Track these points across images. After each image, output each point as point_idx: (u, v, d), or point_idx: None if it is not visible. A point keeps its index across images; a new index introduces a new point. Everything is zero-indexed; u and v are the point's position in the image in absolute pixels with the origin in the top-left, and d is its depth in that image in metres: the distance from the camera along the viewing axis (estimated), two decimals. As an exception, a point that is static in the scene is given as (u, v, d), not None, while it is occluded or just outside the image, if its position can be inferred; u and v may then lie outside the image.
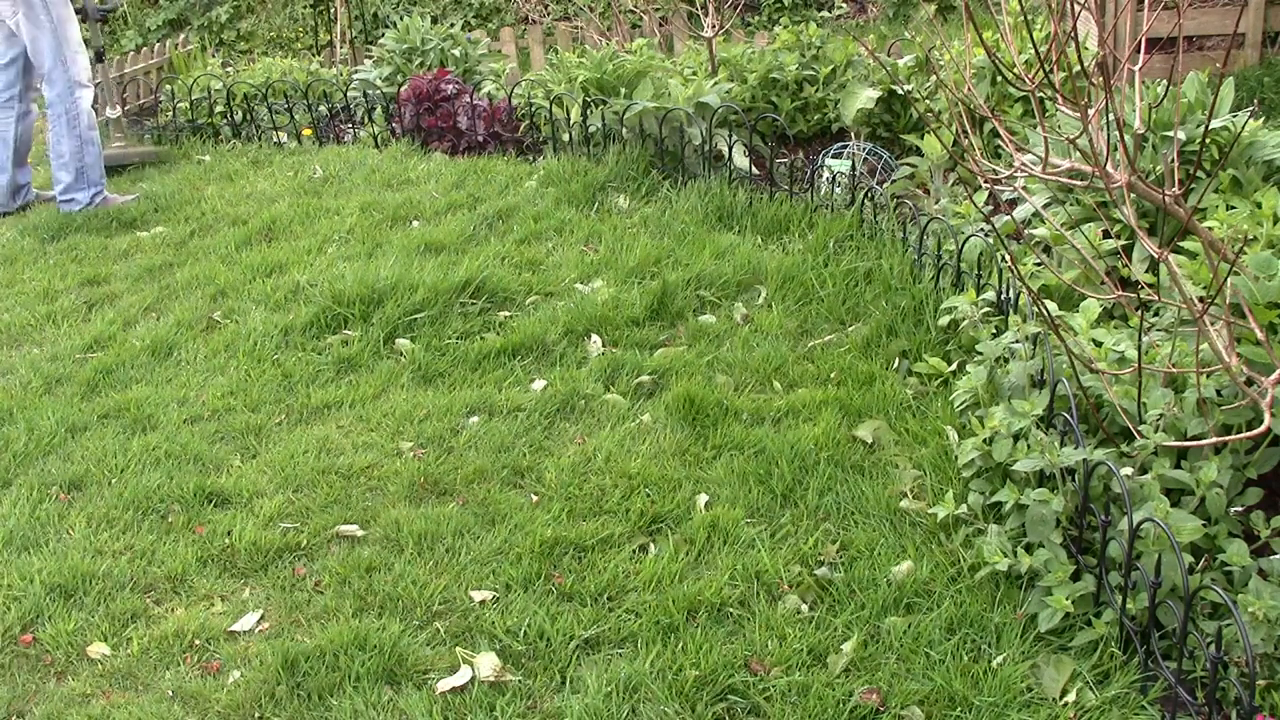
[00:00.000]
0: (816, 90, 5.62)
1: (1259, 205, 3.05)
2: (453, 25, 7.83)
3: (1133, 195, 2.53)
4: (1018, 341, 2.96)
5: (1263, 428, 2.23)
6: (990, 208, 4.31)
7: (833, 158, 5.01)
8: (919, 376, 3.41)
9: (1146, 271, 3.26)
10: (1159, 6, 3.07)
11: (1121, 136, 2.40)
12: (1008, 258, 3.07)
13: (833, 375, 3.48)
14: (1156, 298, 2.54)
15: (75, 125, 5.35)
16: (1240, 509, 2.52)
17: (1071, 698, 2.24)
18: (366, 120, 6.25)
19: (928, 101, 5.13)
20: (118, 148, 6.20)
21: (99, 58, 6.04)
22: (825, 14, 9.50)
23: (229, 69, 7.45)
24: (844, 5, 9.58)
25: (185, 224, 5.17)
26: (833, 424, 3.19)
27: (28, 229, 5.26)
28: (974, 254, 3.59)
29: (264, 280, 4.41)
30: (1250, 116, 3.61)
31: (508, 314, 4.03)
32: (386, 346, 3.86)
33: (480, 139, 5.81)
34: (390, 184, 5.48)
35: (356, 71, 6.76)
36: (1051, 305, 3.06)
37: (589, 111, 5.37)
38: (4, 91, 5.52)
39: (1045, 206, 3.67)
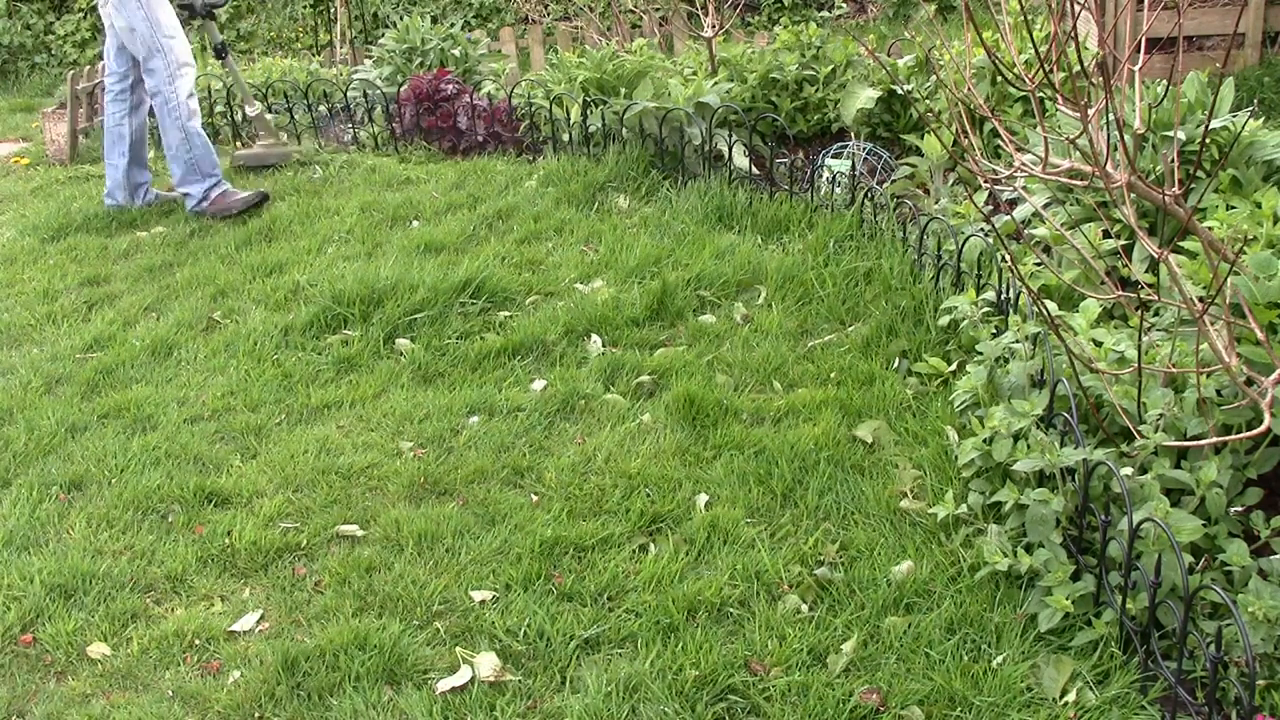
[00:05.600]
0: (816, 90, 5.62)
1: (1259, 205, 3.05)
2: (453, 25, 7.83)
3: (1133, 195, 2.53)
4: (1018, 341, 2.96)
5: (1263, 428, 2.23)
6: (990, 208, 4.31)
7: (833, 158, 5.01)
8: (919, 376, 3.41)
9: (1146, 271, 3.26)
10: (1159, 6, 3.07)
11: (1121, 136, 2.40)
12: (1008, 258, 3.07)
13: (833, 375, 3.48)
14: (1156, 298, 2.54)
15: (176, 116, 5.13)
16: (1240, 509, 2.52)
17: (1071, 698, 2.24)
18: (366, 120, 6.25)
19: (928, 101, 5.13)
20: (262, 146, 5.93)
21: (220, 54, 5.74)
22: (825, 14, 9.50)
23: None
24: (844, 5, 9.58)
25: (185, 224, 5.17)
26: (833, 424, 3.19)
27: (27, 229, 5.26)
28: (974, 254, 3.59)
29: (264, 280, 4.41)
30: (1250, 116, 3.61)
31: (508, 314, 4.03)
32: (386, 346, 3.86)
33: (480, 139, 5.81)
34: (390, 184, 5.48)
35: (356, 71, 6.77)
36: (1051, 305, 3.06)
37: (589, 111, 5.37)
38: (117, 84, 5.31)
39: (1045, 206, 3.67)
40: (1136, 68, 2.64)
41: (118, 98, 5.36)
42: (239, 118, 6.49)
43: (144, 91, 5.35)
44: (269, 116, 6.01)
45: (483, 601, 2.62)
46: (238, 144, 6.43)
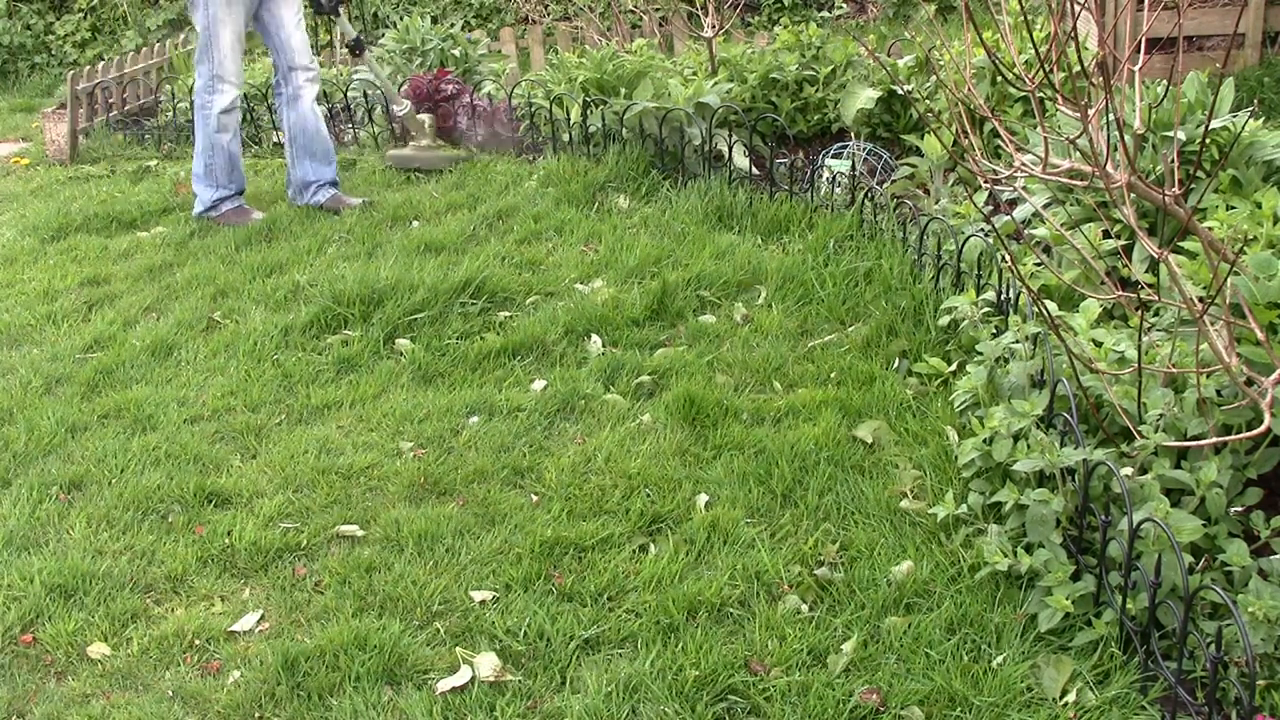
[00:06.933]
0: (816, 90, 5.61)
1: (1259, 205, 3.05)
2: (453, 25, 7.82)
3: (1133, 195, 2.53)
4: (1018, 341, 2.96)
5: (1263, 428, 2.23)
6: (990, 208, 4.31)
7: (833, 158, 5.01)
8: (919, 376, 3.41)
9: (1146, 271, 3.26)
10: (1159, 6, 3.07)
11: (1121, 136, 2.40)
12: (1008, 258, 3.07)
13: (833, 375, 3.48)
14: (1156, 298, 2.54)
15: (206, 123, 5.12)
16: (1240, 509, 2.52)
17: (1071, 698, 2.24)
18: (367, 120, 6.25)
19: (928, 101, 5.13)
20: (414, 148, 5.69)
21: (355, 51, 5.52)
22: (825, 14, 9.50)
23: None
24: (844, 5, 9.58)
25: (185, 224, 5.17)
26: (833, 424, 3.19)
27: (27, 229, 5.26)
28: (974, 254, 3.59)
29: (264, 280, 4.41)
30: (1250, 116, 3.61)
31: (508, 314, 4.03)
32: (386, 346, 3.86)
33: (480, 139, 5.81)
34: (390, 184, 5.48)
35: (356, 71, 6.76)
36: (1051, 305, 3.06)
37: (589, 111, 5.37)
38: (276, 84, 5.30)
39: (1045, 206, 3.67)
40: (1136, 68, 2.64)
41: (276, 96, 5.34)
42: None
43: (299, 83, 5.24)
44: (424, 118, 5.68)
45: (483, 601, 2.62)
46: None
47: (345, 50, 5.62)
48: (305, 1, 5.28)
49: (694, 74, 5.72)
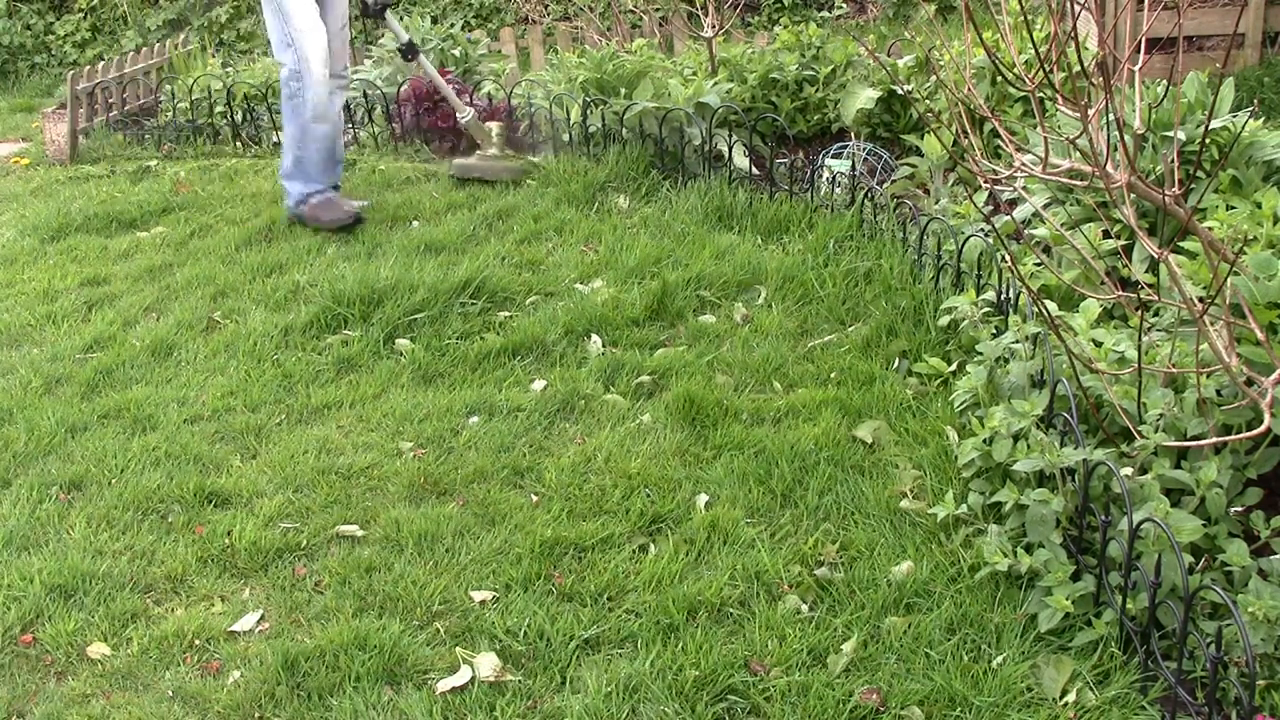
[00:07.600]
0: (816, 90, 5.61)
1: (1259, 205, 3.05)
2: (453, 25, 7.83)
3: (1133, 195, 2.53)
4: (1018, 341, 2.96)
5: (1263, 428, 2.23)
6: (990, 208, 4.31)
7: (833, 158, 5.01)
8: (919, 376, 3.41)
9: (1146, 271, 3.26)
10: (1159, 6, 3.07)
11: (1121, 136, 2.40)
12: (1008, 258, 3.07)
13: (833, 375, 3.48)
14: (1156, 298, 2.54)
15: (299, 112, 4.85)
16: (1240, 509, 2.52)
17: (1071, 698, 2.24)
18: (367, 120, 6.25)
19: (928, 101, 5.13)
20: (478, 158, 5.39)
21: (407, 55, 5.35)
22: (825, 14, 9.50)
23: (229, 69, 7.44)
24: (844, 5, 9.58)
25: (185, 224, 5.17)
26: (833, 424, 3.19)
27: (27, 229, 5.26)
28: (974, 254, 3.59)
29: (264, 280, 4.41)
30: (1250, 116, 3.61)
31: (508, 314, 4.03)
32: (386, 346, 3.86)
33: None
34: (390, 184, 5.48)
35: (356, 72, 6.76)
36: (1051, 305, 3.06)
37: (589, 111, 5.37)
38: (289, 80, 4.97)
39: (1045, 206, 3.67)
40: (1136, 68, 2.64)
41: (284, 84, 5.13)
42: (239, 118, 6.48)
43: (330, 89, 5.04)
44: (491, 125, 5.44)
45: (483, 601, 2.62)
46: (237, 144, 6.41)
47: (399, 55, 5.47)
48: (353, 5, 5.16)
49: (694, 74, 5.72)
